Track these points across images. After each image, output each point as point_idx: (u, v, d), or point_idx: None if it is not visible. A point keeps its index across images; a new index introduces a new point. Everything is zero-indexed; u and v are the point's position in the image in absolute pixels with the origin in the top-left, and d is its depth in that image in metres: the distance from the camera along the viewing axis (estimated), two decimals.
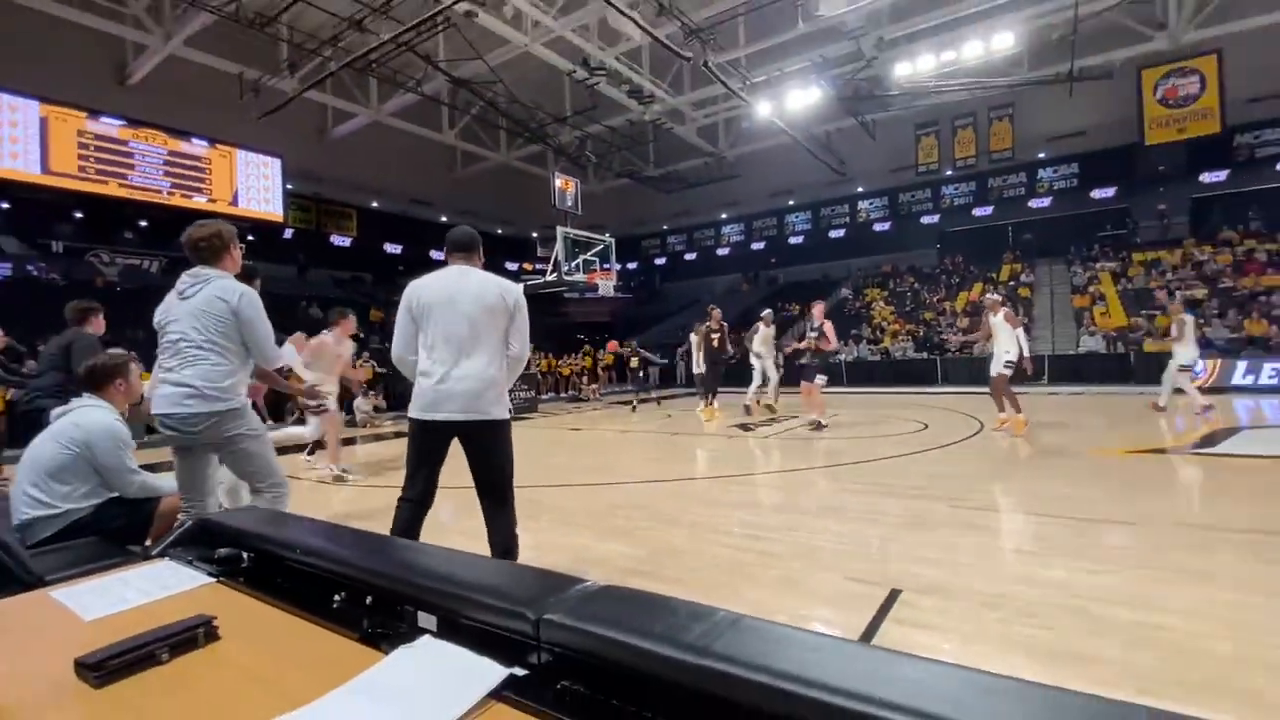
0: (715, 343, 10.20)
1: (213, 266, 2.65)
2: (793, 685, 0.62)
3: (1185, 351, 8.41)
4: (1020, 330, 7.24)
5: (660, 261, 31.79)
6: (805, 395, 8.48)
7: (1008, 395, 7.22)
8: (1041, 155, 20.92)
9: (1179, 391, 8.74)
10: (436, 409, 2.46)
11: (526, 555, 3.59)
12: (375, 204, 23.52)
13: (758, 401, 10.36)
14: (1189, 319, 8.51)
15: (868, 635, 2.36)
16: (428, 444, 2.55)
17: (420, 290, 2.54)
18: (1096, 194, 20.44)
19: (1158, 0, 15.68)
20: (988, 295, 8.29)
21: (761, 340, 10.09)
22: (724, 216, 28.55)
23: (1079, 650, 2.19)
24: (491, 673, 0.71)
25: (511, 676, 0.72)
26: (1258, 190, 18.42)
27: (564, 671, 0.74)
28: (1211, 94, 16.95)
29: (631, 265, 31.27)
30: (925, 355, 17.32)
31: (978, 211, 22.77)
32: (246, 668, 0.80)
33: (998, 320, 7.28)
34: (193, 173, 17.10)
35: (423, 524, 2.61)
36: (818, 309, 8.43)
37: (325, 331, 5.78)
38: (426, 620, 0.86)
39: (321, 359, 5.54)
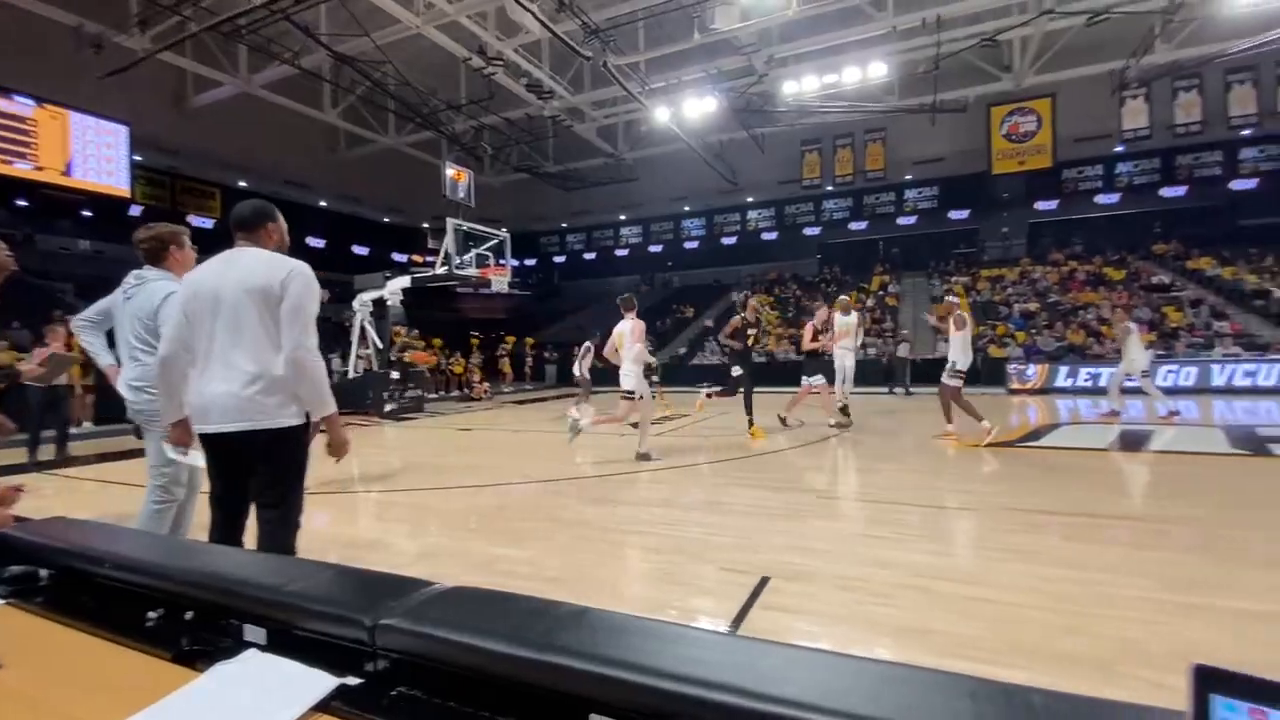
0: (753, 339, 8.59)
1: (156, 267, 2.84)
2: (631, 674, 0.63)
3: (1133, 360, 8.60)
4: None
5: (559, 259, 31.55)
6: (807, 395, 8.43)
7: (960, 404, 6.99)
8: (908, 177, 22.94)
9: (1134, 394, 9.20)
10: (203, 420, 2.09)
11: (404, 562, 3.43)
12: (243, 183, 21.45)
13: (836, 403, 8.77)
14: (1134, 328, 8.83)
15: (737, 621, 2.48)
16: (210, 459, 2.18)
17: (190, 281, 2.19)
18: (953, 215, 22.76)
19: (1005, 45, 17.71)
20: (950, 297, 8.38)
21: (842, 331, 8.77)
22: (623, 218, 28.82)
23: (921, 625, 2.43)
24: (318, 684, 0.68)
25: (342, 687, 0.68)
26: (1080, 219, 21.37)
27: (401, 677, 0.71)
28: (1046, 132, 19.40)
29: (529, 262, 30.77)
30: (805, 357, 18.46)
31: (854, 226, 24.58)
32: (31, 699, 0.70)
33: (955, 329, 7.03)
34: (14, 135, 14.74)
35: (242, 531, 2.25)
36: (822, 313, 8.48)
37: None
38: (254, 634, 0.80)
39: None
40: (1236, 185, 19.03)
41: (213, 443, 2.13)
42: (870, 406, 11.80)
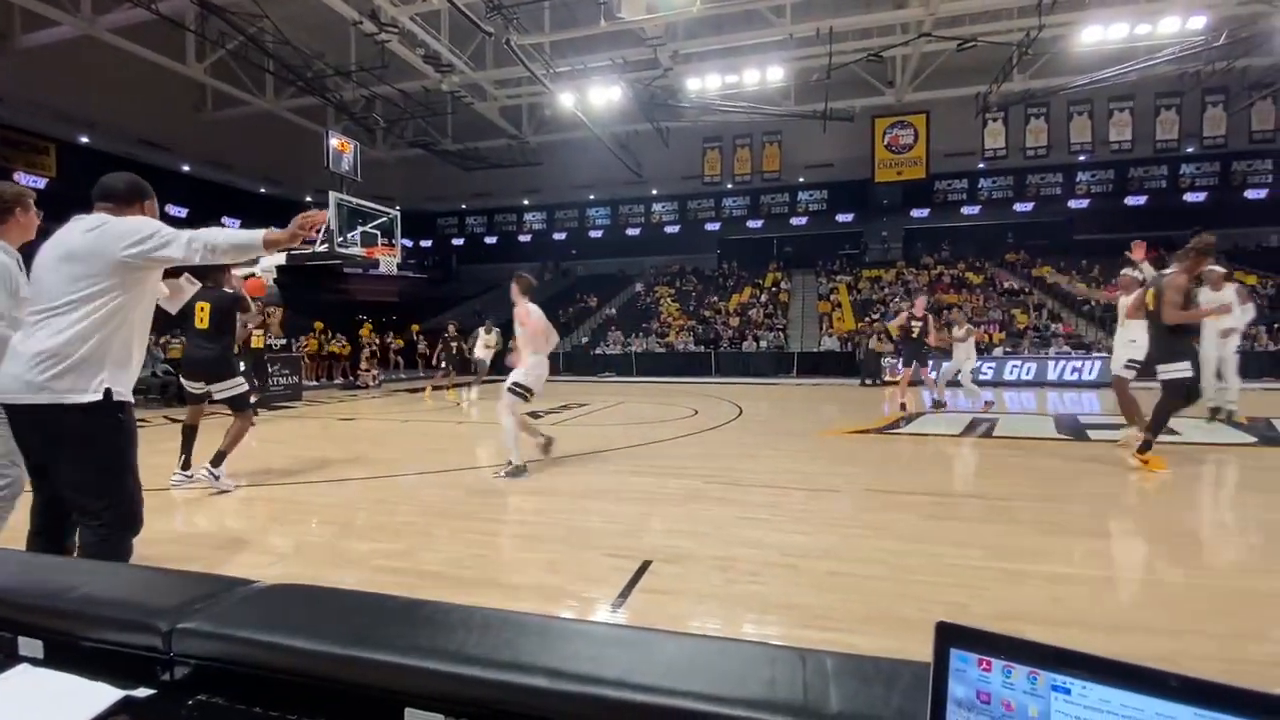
0: (916, 333, 8.92)
1: None
2: (444, 665, 0.63)
3: (967, 358, 9.67)
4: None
5: (458, 242, 30.40)
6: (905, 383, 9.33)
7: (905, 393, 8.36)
8: (801, 180, 24.17)
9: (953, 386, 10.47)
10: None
11: (266, 562, 3.19)
12: (85, 139, 18.87)
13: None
14: (971, 329, 9.89)
15: (618, 604, 2.53)
16: (16, 436, 1.98)
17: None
18: (840, 218, 24.29)
19: (889, 62, 19.03)
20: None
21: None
22: (526, 203, 28.22)
23: (785, 600, 2.60)
24: (97, 699, 0.62)
25: (128, 700, 0.63)
26: (948, 227, 23.51)
27: (203, 685, 0.66)
28: (921, 146, 21.11)
29: (425, 243, 29.43)
30: (703, 349, 19.06)
31: (751, 223, 25.59)
32: None
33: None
34: None
35: (65, 531, 2.01)
36: (920, 301, 9.50)
37: None
38: (30, 647, 0.71)
39: None
40: (1073, 204, 21.71)
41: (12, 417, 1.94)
42: (764, 394, 12.40)
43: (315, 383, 15.90)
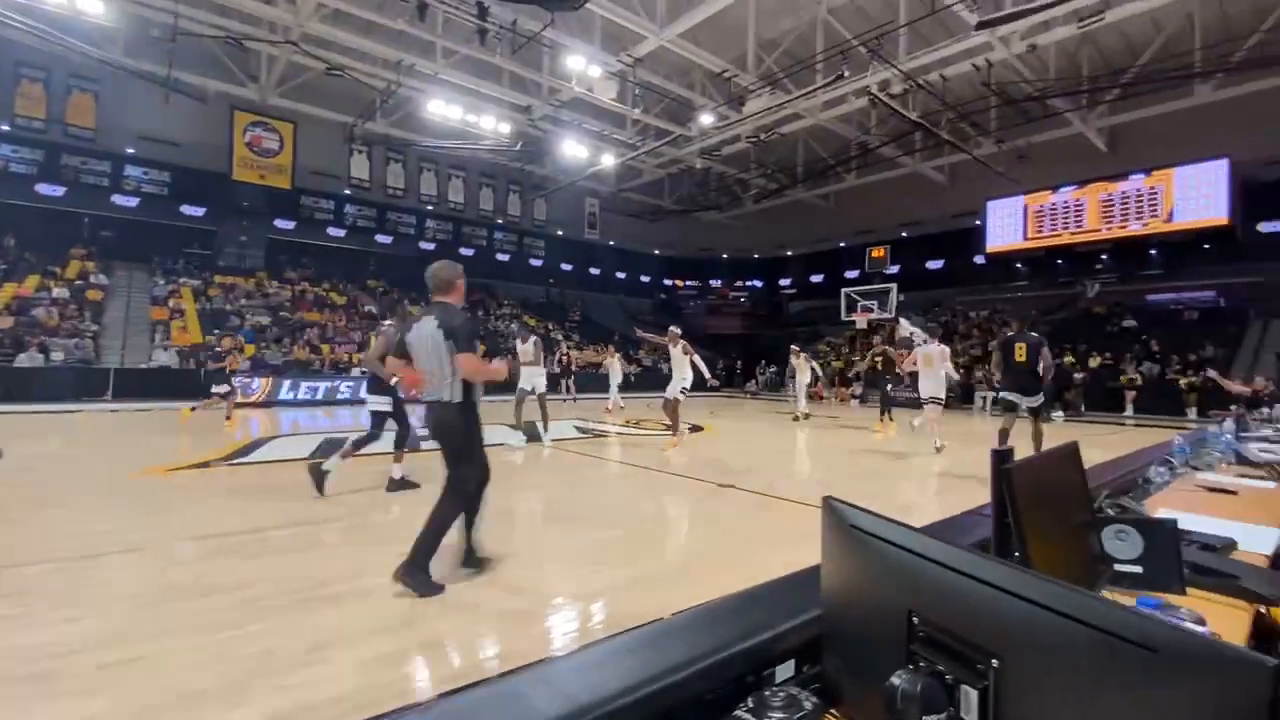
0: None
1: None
2: None
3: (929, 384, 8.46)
4: (695, 357, 8.40)
5: None
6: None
7: (674, 416, 8.42)
8: (131, 150, 19.32)
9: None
10: None
11: None
12: None
13: None
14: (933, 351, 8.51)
15: None
16: None
17: None
18: (187, 209, 20.59)
19: (255, 55, 17.56)
20: (671, 329, 8.80)
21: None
22: None
23: None
24: None
25: None
26: (315, 244, 23.33)
27: None
28: (287, 155, 20.34)
29: None
30: None
31: (44, 188, 18.65)
32: None
33: (677, 351, 8.36)
34: None
35: None
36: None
37: None
38: None
39: None
40: (423, 245, 25.29)
41: None
42: (54, 426, 9.07)
43: None
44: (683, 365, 8.33)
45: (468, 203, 25.01)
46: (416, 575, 3.05)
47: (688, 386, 8.47)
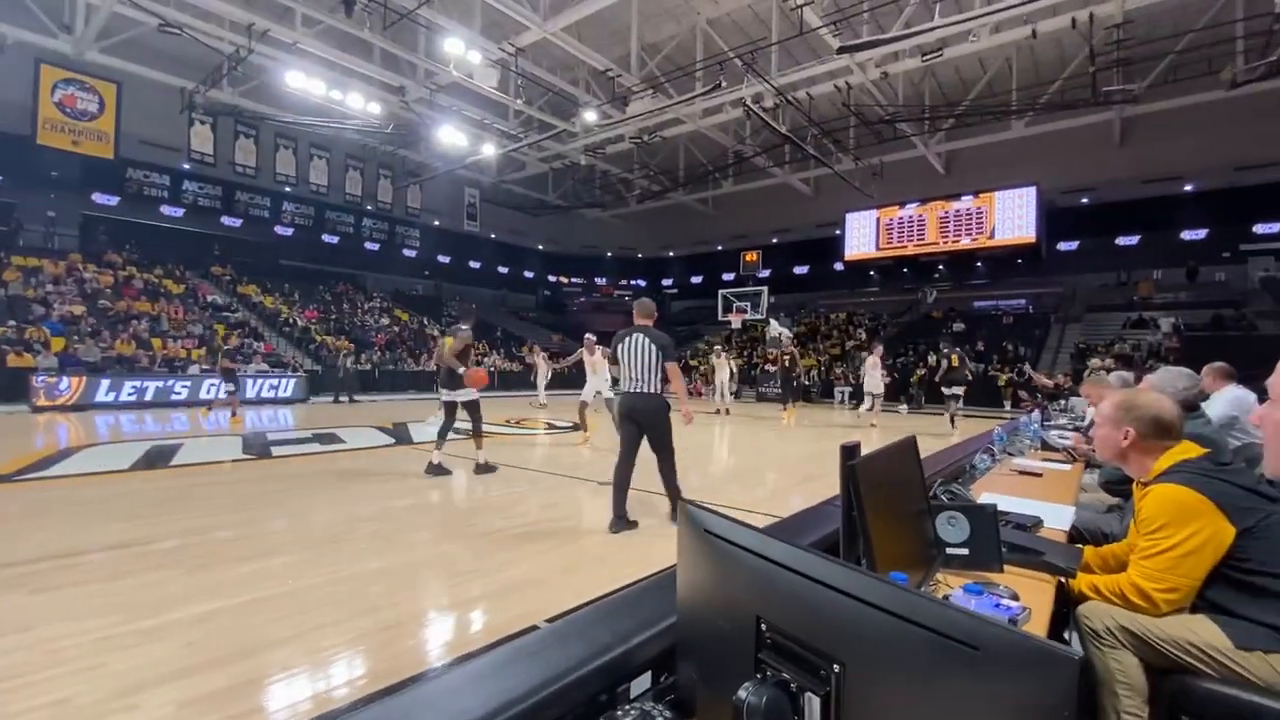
0: None
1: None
2: None
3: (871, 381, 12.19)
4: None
5: None
6: None
7: (584, 417, 9.08)
8: None
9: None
10: None
11: None
12: None
13: None
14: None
15: None
16: None
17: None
18: None
19: (66, 1, 15.00)
20: (587, 336, 9.43)
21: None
22: None
23: None
24: None
25: None
26: (145, 224, 20.44)
27: None
28: (109, 120, 17.61)
29: None
30: None
31: None
32: None
33: (594, 358, 8.98)
34: None
35: None
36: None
37: None
38: None
39: None
40: (279, 230, 23.03)
41: None
42: None
43: None
44: (601, 371, 8.94)
45: (331, 186, 23.08)
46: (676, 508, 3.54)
47: (601, 391, 8.95)
